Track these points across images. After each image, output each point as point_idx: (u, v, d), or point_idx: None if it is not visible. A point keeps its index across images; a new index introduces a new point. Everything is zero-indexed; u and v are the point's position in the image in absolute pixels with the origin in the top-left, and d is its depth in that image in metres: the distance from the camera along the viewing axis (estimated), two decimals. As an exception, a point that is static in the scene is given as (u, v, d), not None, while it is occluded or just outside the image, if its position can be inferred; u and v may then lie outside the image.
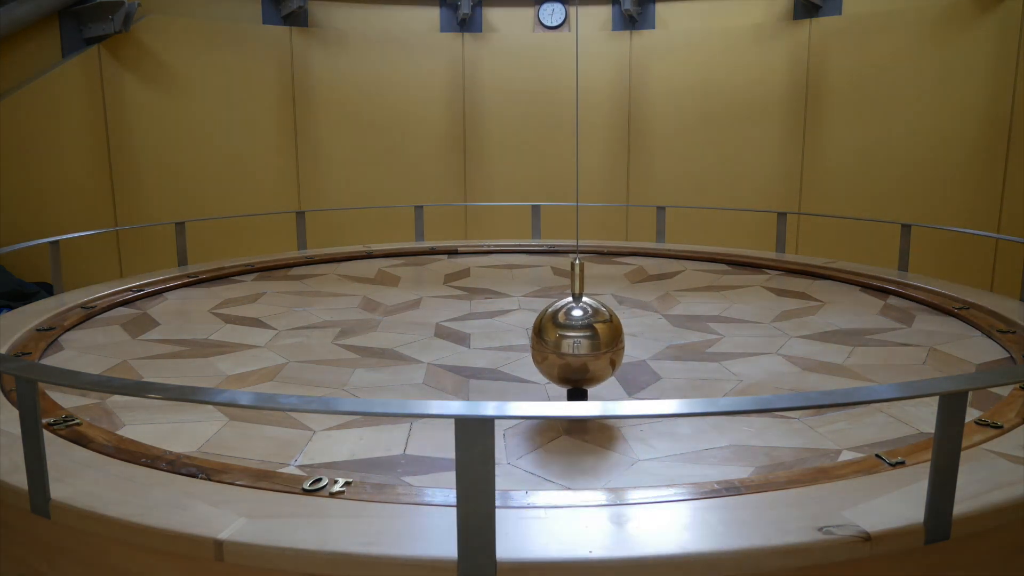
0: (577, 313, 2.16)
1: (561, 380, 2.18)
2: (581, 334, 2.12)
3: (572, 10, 7.72)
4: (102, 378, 2.26)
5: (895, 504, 1.60)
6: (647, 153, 7.68)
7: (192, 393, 1.72)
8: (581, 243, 5.34)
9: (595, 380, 2.18)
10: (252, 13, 7.29)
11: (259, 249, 5.51)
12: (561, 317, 2.16)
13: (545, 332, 2.16)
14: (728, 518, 1.57)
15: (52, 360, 2.84)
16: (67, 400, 2.32)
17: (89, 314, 3.44)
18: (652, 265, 4.74)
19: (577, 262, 2.21)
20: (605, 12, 7.69)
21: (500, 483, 1.45)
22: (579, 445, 2.07)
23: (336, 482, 1.73)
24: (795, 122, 7.21)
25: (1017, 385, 2.30)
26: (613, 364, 2.17)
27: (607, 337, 2.13)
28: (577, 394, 2.21)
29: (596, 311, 2.17)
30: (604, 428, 2.16)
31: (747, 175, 7.43)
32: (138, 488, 1.70)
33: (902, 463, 1.82)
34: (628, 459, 1.98)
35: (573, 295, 2.21)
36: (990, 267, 6.40)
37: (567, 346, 2.11)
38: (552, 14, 7.69)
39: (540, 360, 2.20)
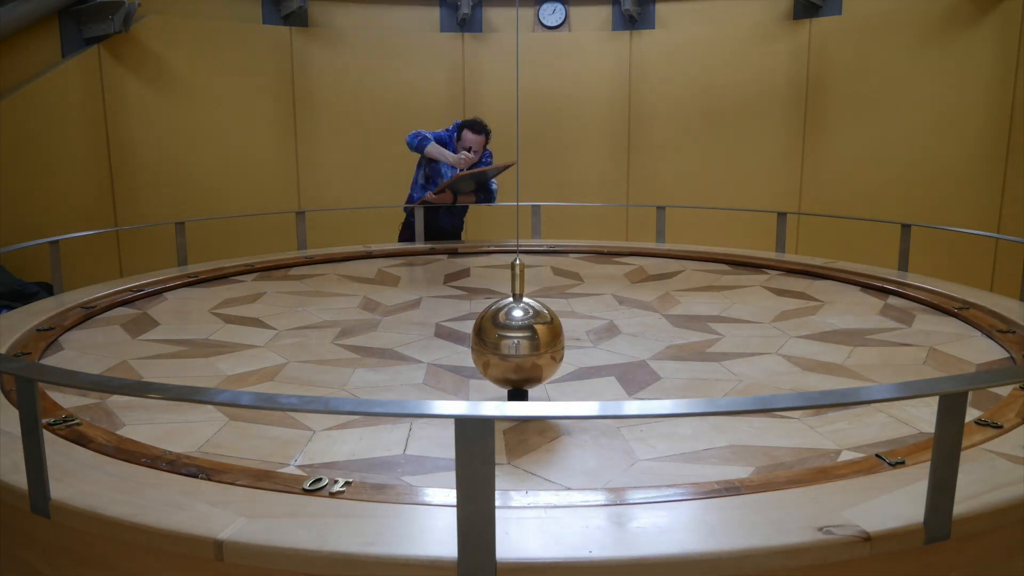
0: (517, 314, 2.17)
1: (504, 381, 2.19)
2: (521, 335, 2.13)
3: (572, 10, 7.72)
4: (102, 378, 2.26)
5: (895, 504, 1.60)
6: (647, 153, 7.69)
7: (192, 393, 1.71)
8: (580, 243, 5.34)
9: (538, 380, 2.20)
10: (252, 13, 7.30)
11: (259, 249, 5.50)
12: (501, 318, 2.16)
13: (485, 333, 2.16)
14: (728, 518, 1.57)
15: (52, 360, 2.84)
16: (67, 400, 2.32)
17: (89, 314, 3.44)
18: (652, 265, 4.74)
19: (518, 263, 2.21)
20: (605, 12, 7.69)
21: (500, 483, 1.45)
22: (579, 445, 2.07)
23: (336, 482, 1.73)
24: (795, 122, 7.22)
25: (1017, 385, 2.30)
26: (555, 360, 2.19)
27: (547, 338, 2.14)
28: (517, 394, 2.23)
29: (537, 312, 2.18)
30: (603, 428, 2.16)
31: (747, 175, 7.43)
32: (138, 488, 1.70)
33: (902, 463, 1.82)
34: (628, 459, 1.98)
35: (513, 295, 2.21)
36: (990, 267, 6.40)
37: (506, 347, 2.12)
38: (552, 14, 7.69)
39: (484, 366, 2.20)
